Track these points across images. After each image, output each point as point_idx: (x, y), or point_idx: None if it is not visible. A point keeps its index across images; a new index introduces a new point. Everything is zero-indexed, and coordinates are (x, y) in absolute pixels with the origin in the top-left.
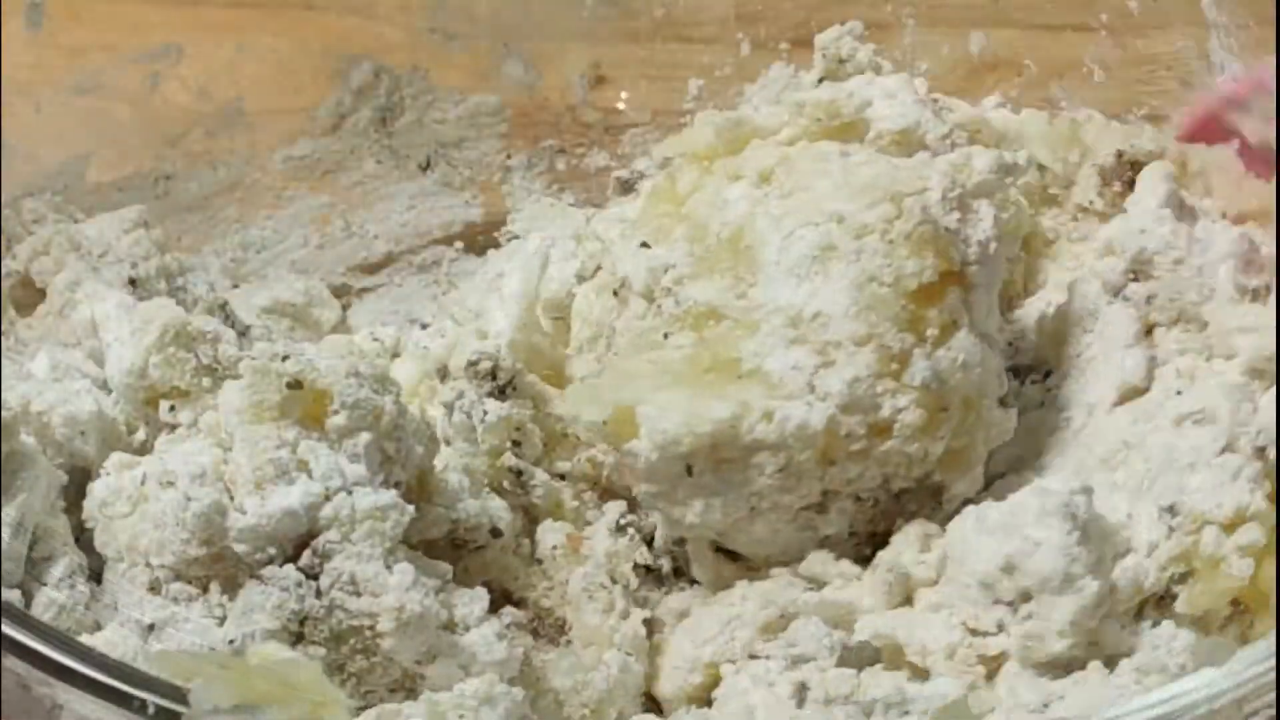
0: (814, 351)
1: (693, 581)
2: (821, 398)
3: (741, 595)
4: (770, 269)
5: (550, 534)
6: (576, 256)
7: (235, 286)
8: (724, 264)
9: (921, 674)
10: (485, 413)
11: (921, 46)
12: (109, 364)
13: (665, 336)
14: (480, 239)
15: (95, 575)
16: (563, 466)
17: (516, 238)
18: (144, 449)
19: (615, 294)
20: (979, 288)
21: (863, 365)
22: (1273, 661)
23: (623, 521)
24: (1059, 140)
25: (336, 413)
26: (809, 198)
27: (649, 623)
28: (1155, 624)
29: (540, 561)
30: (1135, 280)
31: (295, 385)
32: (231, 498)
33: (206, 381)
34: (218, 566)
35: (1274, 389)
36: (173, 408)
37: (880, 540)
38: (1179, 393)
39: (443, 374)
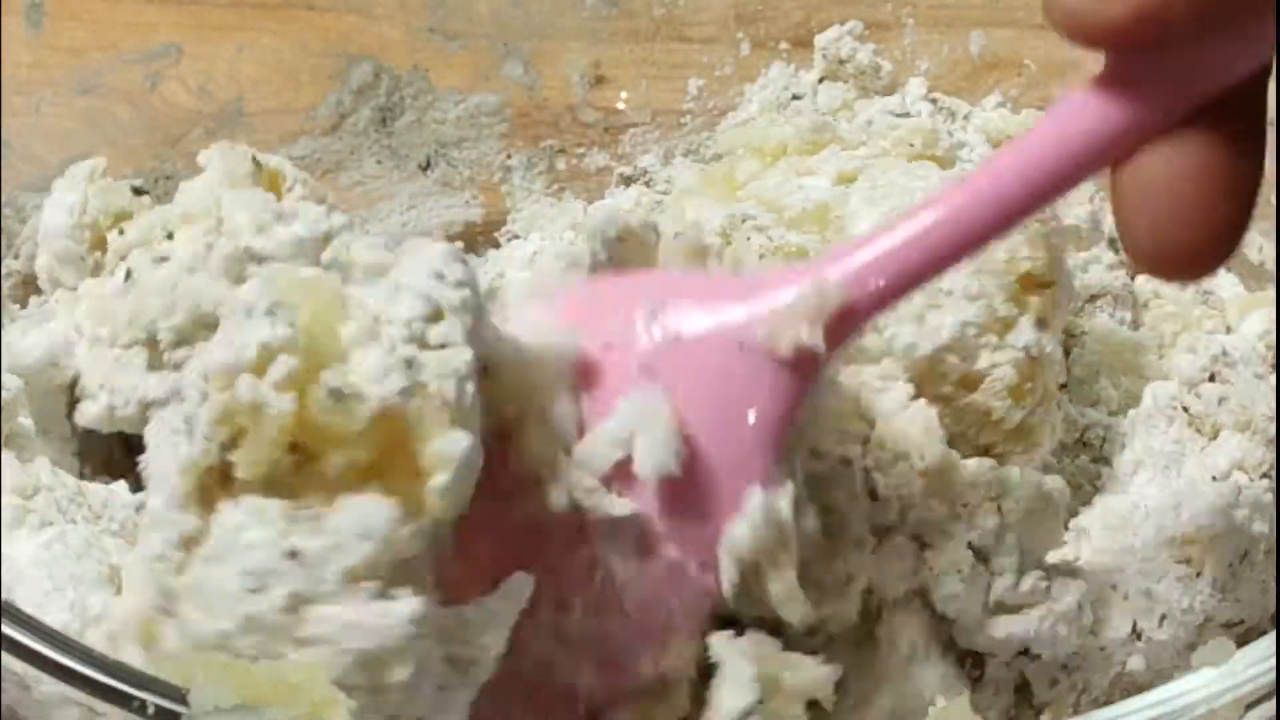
0: (924, 294)
1: None
2: (931, 330)
3: None
4: None
5: None
6: (575, 245)
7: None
8: (810, 228)
9: None
10: None
11: (921, 46)
12: (43, 246)
13: (761, 258)
14: (480, 239)
15: None
16: None
17: (517, 237)
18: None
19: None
20: (1060, 309)
21: (972, 313)
22: (1273, 661)
23: None
24: None
25: (291, 189)
26: (907, 192)
27: None
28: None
29: None
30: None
31: (256, 164)
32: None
33: (147, 200)
34: None
35: (1274, 381)
36: (121, 231)
37: None
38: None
39: None
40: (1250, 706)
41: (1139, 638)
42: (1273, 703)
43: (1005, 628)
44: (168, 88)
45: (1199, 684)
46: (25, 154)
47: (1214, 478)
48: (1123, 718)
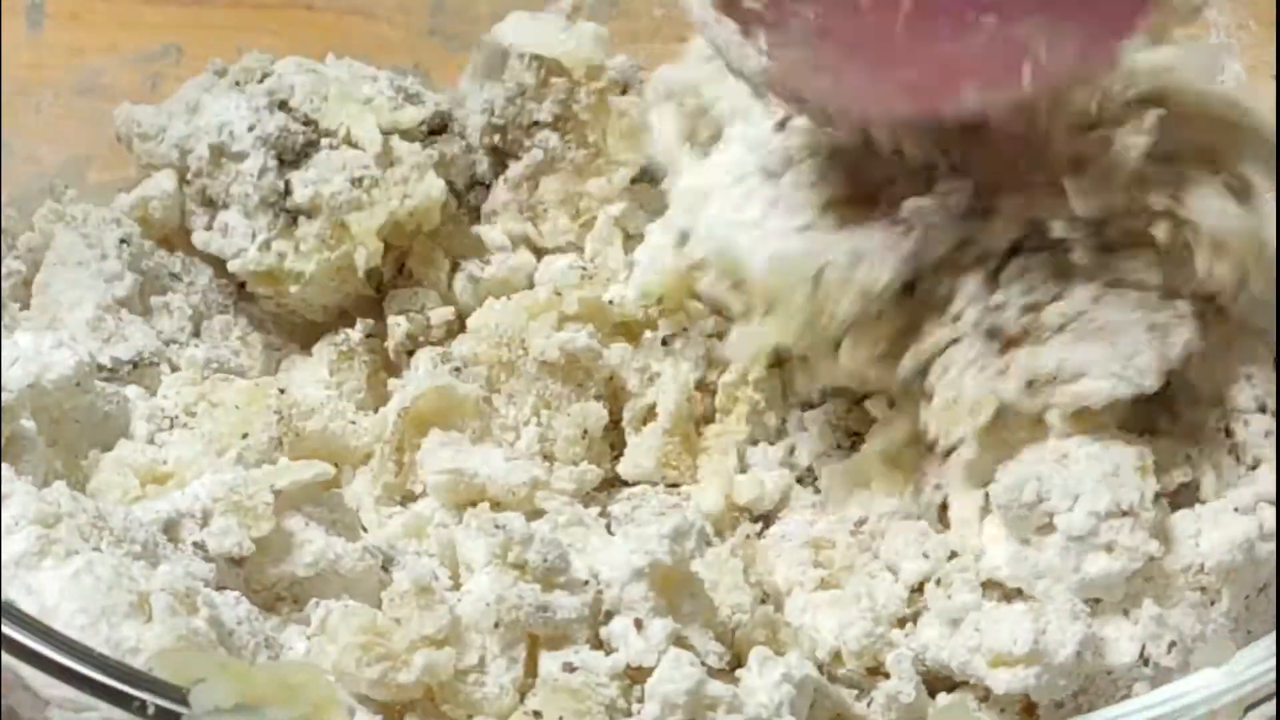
0: None
1: None
2: None
3: None
4: None
5: None
6: None
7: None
8: None
9: None
10: None
11: None
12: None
13: None
14: None
15: None
16: None
17: None
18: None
19: None
20: None
21: None
22: (1273, 661)
23: None
24: None
25: None
26: None
27: None
28: None
29: None
30: None
31: None
32: None
33: None
34: None
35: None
36: None
37: None
38: None
39: None
40: (1250, 707)
41: (1146, 663)
42: (1273, 703)
43: (1004, 682)
44: (168, 88)
45: (1199, 684)
46: (25, 154)
47: (1236, 509)
48: (1123, 718)
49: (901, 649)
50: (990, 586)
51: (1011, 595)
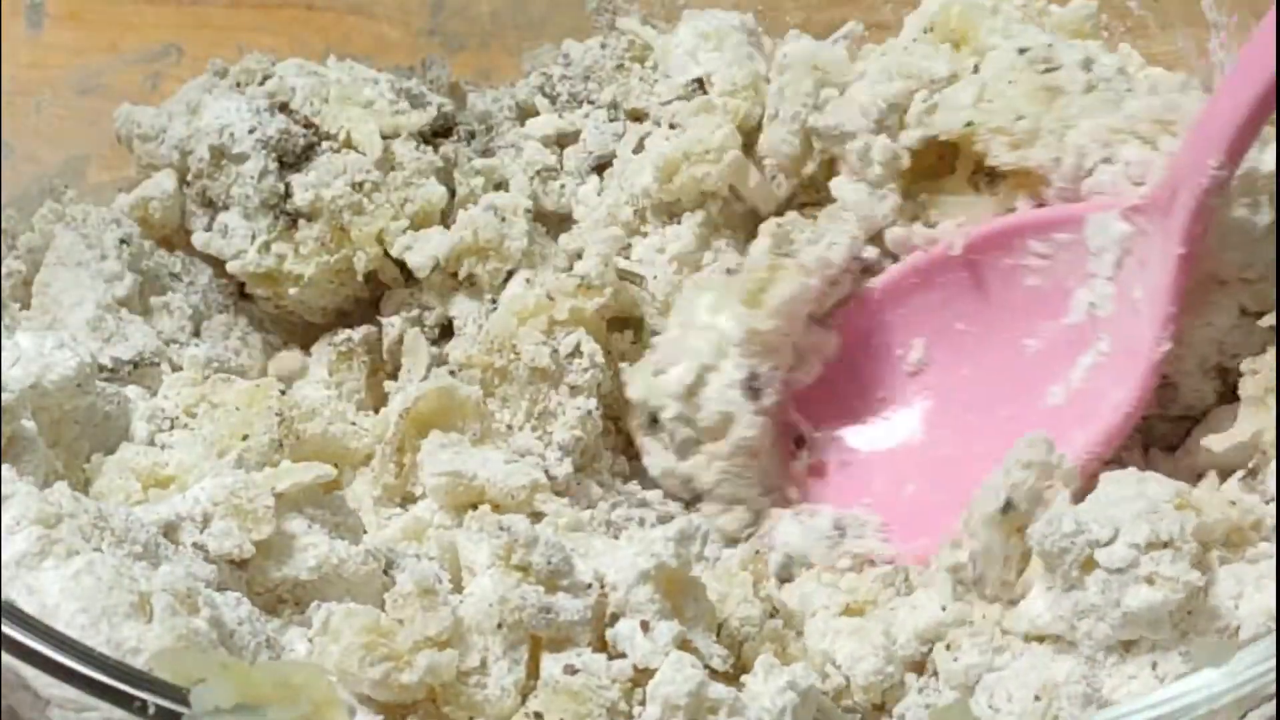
0: None
1: None
2: None
3: None
4: None
5: None
6: None
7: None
8: None
9: None
10: None
11: None
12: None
13: None
14: None
15: None
16: None
17: None
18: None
19: None
20: None
21: None
22: (1273, 661)
23: None
24: None
25: None
26: None
27: None
28: None
29: None
30: None
31: None
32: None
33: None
34: None
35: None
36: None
37: None
38: None
39: None
40: (1251, 708)
41: None
42: (1273, 703)
43: None
44: (168, 88)
45: (1199, 684)
46: (25, 154)
47: None
48: (1123, 718)
49: (912, 696)
50: (1026, 637)
51: (1047, 639)
